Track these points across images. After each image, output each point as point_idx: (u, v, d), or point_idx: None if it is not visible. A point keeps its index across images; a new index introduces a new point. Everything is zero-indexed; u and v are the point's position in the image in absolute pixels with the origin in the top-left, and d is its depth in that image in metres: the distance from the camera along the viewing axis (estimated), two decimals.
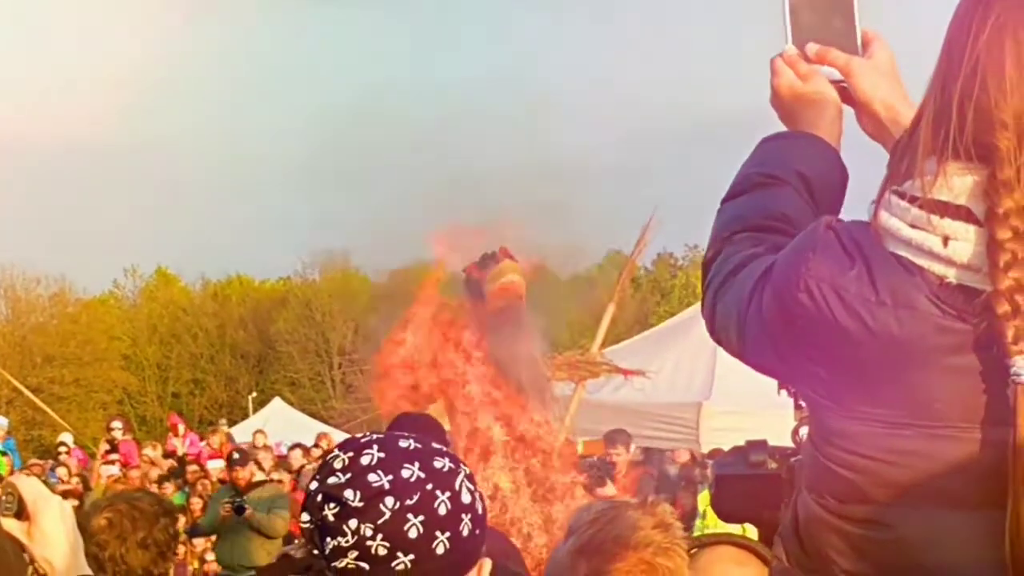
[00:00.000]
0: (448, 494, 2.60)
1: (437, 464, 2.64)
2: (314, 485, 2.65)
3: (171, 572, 4.78)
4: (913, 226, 2.10)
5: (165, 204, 79.88)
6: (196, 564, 17.15)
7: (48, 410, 29.17)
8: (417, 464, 2.61)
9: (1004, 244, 2.03)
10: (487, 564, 2.76)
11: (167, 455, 23.04)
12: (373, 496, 2.55)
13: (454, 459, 2.70)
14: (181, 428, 23.89)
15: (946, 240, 2.08)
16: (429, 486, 2.58)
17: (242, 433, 30.09)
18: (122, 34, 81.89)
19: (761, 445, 7.45)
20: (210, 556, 16.45)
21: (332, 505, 2.57)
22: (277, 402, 43.93)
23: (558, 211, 13.36)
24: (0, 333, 61.91)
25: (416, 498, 2.56)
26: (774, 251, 2.35)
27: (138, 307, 72.33)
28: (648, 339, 22.61)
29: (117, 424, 24.72)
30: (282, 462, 21.02)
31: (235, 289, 73.38)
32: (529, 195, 13.73)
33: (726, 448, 11.67)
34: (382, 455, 2.62)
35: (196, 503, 19.06)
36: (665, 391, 18.47)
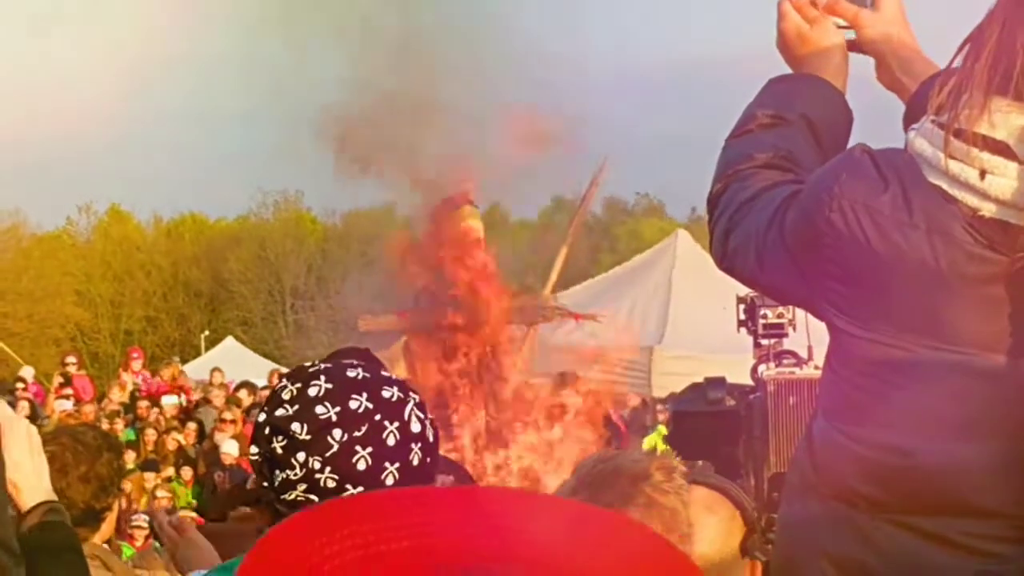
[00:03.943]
0: (397, 424, 2.59)
1: (385, 394, 2.62)
2: (262, 416, 2.64)
3: (115, 507, 4.70)
4: (951, 157, 2.13)
5: (119, 141, 79.17)
6: (145, 499, 17.17)
7: (3, 345, 28.98)
8: (365, 395, 2.59)
9: None
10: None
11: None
12: (321, 428, 2.55)
13: (403, 388, 2.68)
14: (138, 364, 23.75)
15: (983, 173, 2.11)
16: (377, 417, 2.58)
17: (195, 371, 29.96)
18: None
19: (719, 383, 7.51)
20: (160, 493, 16.46)
21: (280, 438, 2.57)
22: (229, 340, 43.71)
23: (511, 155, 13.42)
24: None
25: (364, 430, 2.56)
26: (790, 184, 2.40)
27: (91, 244, 71.55)
28: (600, 283, 22.60)
29: (71, 359, 24.67)
30: (232, 398, 20.98)
31: (189, 227, 72.78)
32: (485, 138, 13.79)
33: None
34: (329, 386, 2.60)
35: (150, 435, 19.02)
36: (617, 335, 18.51)
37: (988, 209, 2.10)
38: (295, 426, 2.56)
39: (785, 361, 6.51)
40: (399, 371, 12.75)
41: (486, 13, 13.25)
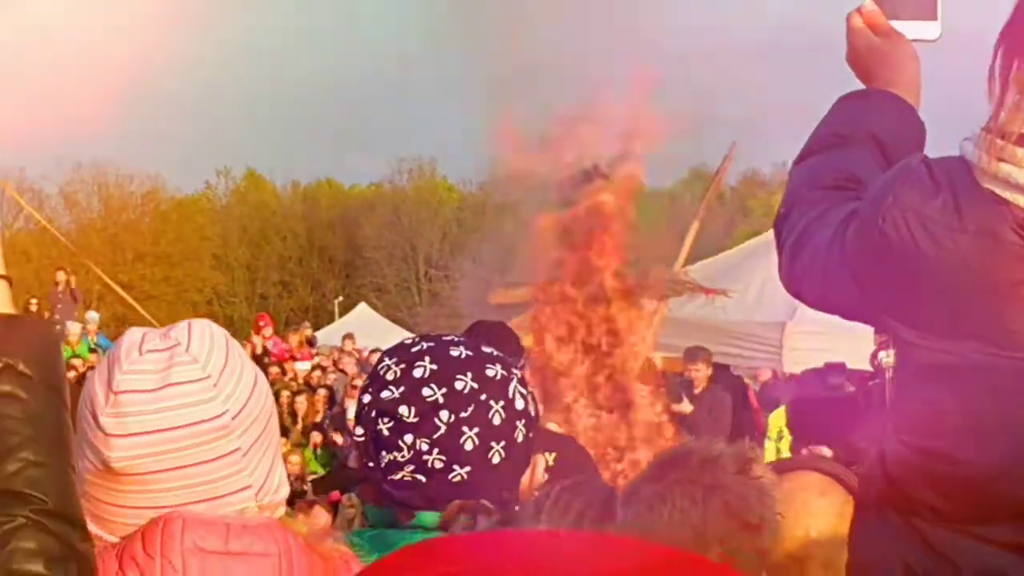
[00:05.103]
0: (502, 403, 2.61)
1: (489, 372, 2.63)
2: (366, 398, 2.66)
3: None
4: (1000, 159, 2.09)
5: (257, 109, 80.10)
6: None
7: (138, 307, 29.35)
8: (470, 374, 2.61)
9: None
10: (540, 461, 2.81)
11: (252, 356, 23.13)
12: (427, 411, 2.57)
13: (506, 364, 2.70)
14: (269, 330, 23.98)
15: None
16: (483, 396, 2.59)
17: (327, 337, 30.27)
18: None
19: (839, 368, 7.43)
20: (292, 459, 16.60)
21: (386, 420, 2.59)
22: (362, 307, 44.10)
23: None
24: (93, 229, 62.41)
25: (471, 410, 2.58)
26: (851, 202, 2.36)
27: (229, 208, 72.72)
28: (732, 257, 22.51)
29: None
30: (364, 365, 21.13)
31: (324, 193, 73.63)
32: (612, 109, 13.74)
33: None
34: (434, 367, 2.61)
35: (282, 399, 19.09)
36: (749, 310, 18.39)
37: None
38: (402, 408, 2.57)
39: None
40: (527, 343, 12.75)
41: None
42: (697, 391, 14.59)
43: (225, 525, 2.22)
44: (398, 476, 2.59)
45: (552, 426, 11.21)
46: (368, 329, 34.66)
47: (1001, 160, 2.09)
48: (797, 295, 2.49)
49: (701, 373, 14.88)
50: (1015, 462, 2.10)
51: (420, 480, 2.58)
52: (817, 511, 3.35)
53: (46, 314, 24.65)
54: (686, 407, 14.13)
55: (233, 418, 2.24)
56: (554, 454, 5.37)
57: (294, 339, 23.64)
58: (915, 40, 2.60)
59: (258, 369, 2.41)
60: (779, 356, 19.20)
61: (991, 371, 2.09)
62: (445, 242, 61.07)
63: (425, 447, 2.56)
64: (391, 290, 64.60)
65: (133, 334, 2.31)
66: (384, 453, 2.60)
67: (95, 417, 2.20)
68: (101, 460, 2.20)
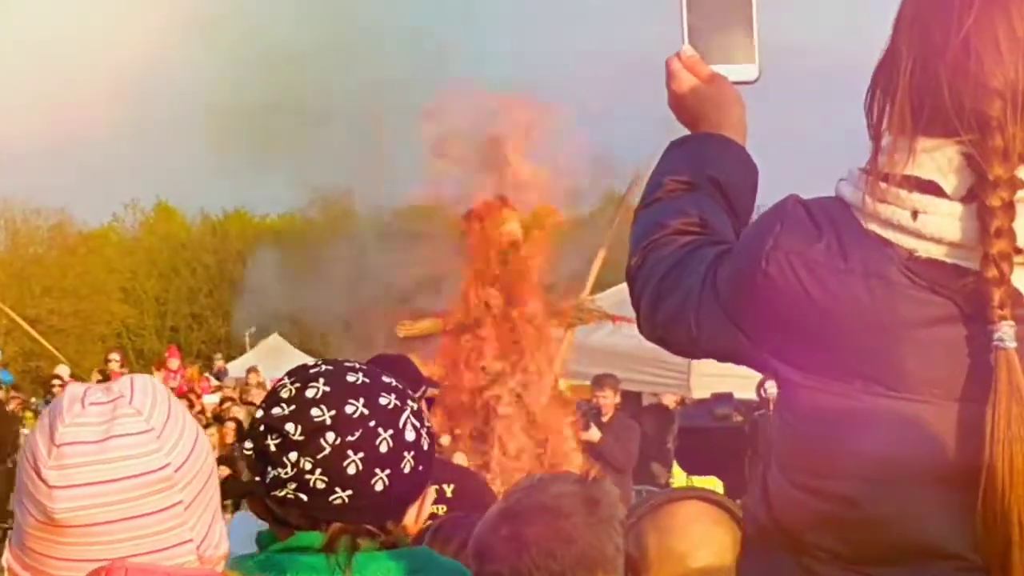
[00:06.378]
0: (391, 432, 2.63)
1: (383, 401, 2.66)
2: (259, 413, 2.70)
3: None
4: (882, 200, 2.10)
5: (166, 140, 79.66)
6: None
7: (45, 342, 29.09)
8: (362, 400, 2.64)
9: (995, 211, 2.03)
10: (430, 494, 2.81)
11: None
12: (314, 431, 2.59)
13: (402, 395, 2.72)
14: (175, 363, 23.81)
15: (915, 214, 2.07)
16: (372, 423, 2.62)
17: (239, 368, 30.13)
18: None
19: (727, 398, 7.49)
20: None
21: (274, 436, 2.62)
22: (274, 337, 43.93)
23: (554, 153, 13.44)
24: None
25: (357, 435, 2.60)
26: (714, 245, 2.36)
27: (138, 240, 72.11)
28: None
29: (115, 356, 24.85)
30: None
31: (235, 224, 73.24)
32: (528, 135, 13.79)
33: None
34: (327, 389, 2.65)
35: None
36: None
37: (924, 249, 2.07)
38: (289, 426, 2.61)
39: None
40: (437, 373, 12.77)
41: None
42: (605, 418, 14.66)
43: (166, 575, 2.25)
44: (281, 493, 2.62)
45: (459, 456, 11.24)
46: (280, 359, 34.49)
47: (883, 201, 2.10)
48: (661, 342, 2.46)
49: (609, 400, 14.96)
50: (911, 504, 2.10)
51: (302, 499, 2.61)
52: (713, 541, 3.33)
53: None
54: (594, 435, 14.18)
55: (176, 470, 2.26)
56: (452, 486, 5.45)
57: (192, 372, 23.51)
58: (736, 83, 2.63)
59: (198, 424, 2.44)
60: (687, 382, 19.34)
61: (880, 412, 2.09)
62: (355, 273, 60.89)
63: (308, 466, 2.59)
64: (303, 321, 64.25)
65: (74, 389, 2.34)
66: (269, 468, 2.63)
67: (37, 471, 2.21)
68: (44, 513, 2.20)
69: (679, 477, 10.46)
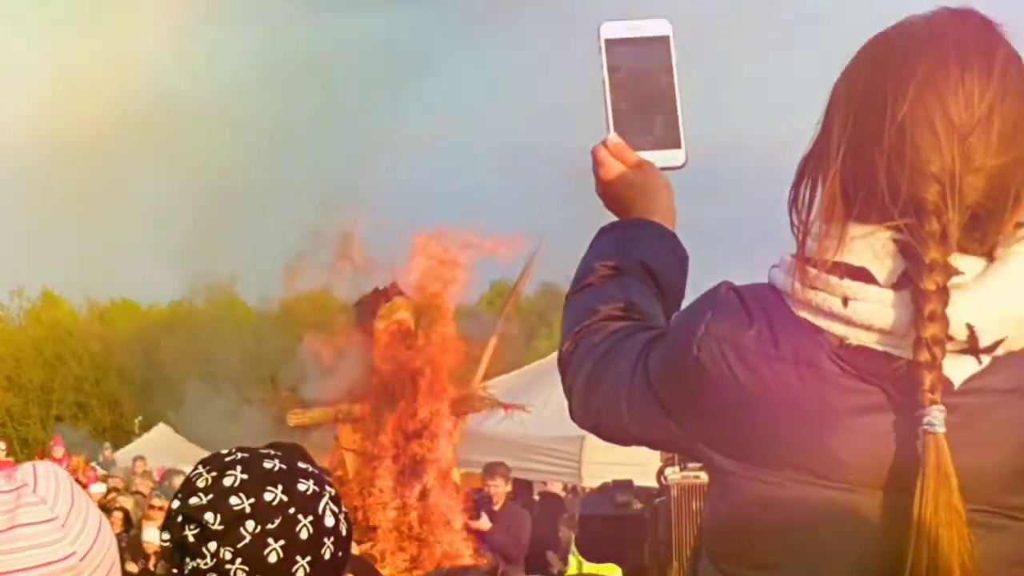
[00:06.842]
0: (311, 518, 2.63)
1: (301, 487, 2.65)
2: (176, 504, 2.66)
3: None
4: (812, 287, 2.09)
5: (51, 226, 78.70)
6: None
7: None
8: (280, 487, 2.63)
9: (930, 295, 2.02)
10: None
11: None
12: (234, 519, 2.57)
13: (319, 481, 2.71)
14: (59, 451, 23.49)
15: (846, 300, 2.07)
16: (291, 510, 2.61)
17: (126, 457, 29.76)
18: None
19: (627, 485, 7.53)
20: None
21: (192, 526, 2.59)
22: (161, 427, 43.45)
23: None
24: None
25: (278, 523, 2.59)
26: (646, 330, 2.35)
27: (23, 329, 71.20)
28: (531, 372, 22.57)
29: (0, 445, 24.44)
30: (161, 486, 20.78)
31: (122, 312, 72.54)
32: (416, 224, 13.85)
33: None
34: (245, 476, 2.63)
35: None
36: (548, 424, 18.52)
37: (855, 336, 2.07)
38: (208, 515, 2.58)
39: (691, 465, 6.54)
40: (328, 461, 12.74)
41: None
42: (496, 507, 14.63)
43: None
44: None
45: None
46: (167, 448, 34.11)
47: (814, 288, 2.09)
48: (594, 429, 2.43)
49: (500, 489, 14.93)
50: None
51: None
52: None
53: None
54: (484, 524, 14.13)
55: (80, 559, 2.22)
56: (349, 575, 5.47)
57: (78, 461, 23.18)
58: (663, 169, 2.61)
59: (101, 512, 2.40)
60: (578, 470, 19.34)
61: (810, 501, 2.07)
62: (244, 362, 60.30)
63: (229, 556, 2.57)
64: (191, 410, 63.53)
65: None
66: (188, 560, 2.60)
67: None
68: None
69: (573, 565, 10.45)
